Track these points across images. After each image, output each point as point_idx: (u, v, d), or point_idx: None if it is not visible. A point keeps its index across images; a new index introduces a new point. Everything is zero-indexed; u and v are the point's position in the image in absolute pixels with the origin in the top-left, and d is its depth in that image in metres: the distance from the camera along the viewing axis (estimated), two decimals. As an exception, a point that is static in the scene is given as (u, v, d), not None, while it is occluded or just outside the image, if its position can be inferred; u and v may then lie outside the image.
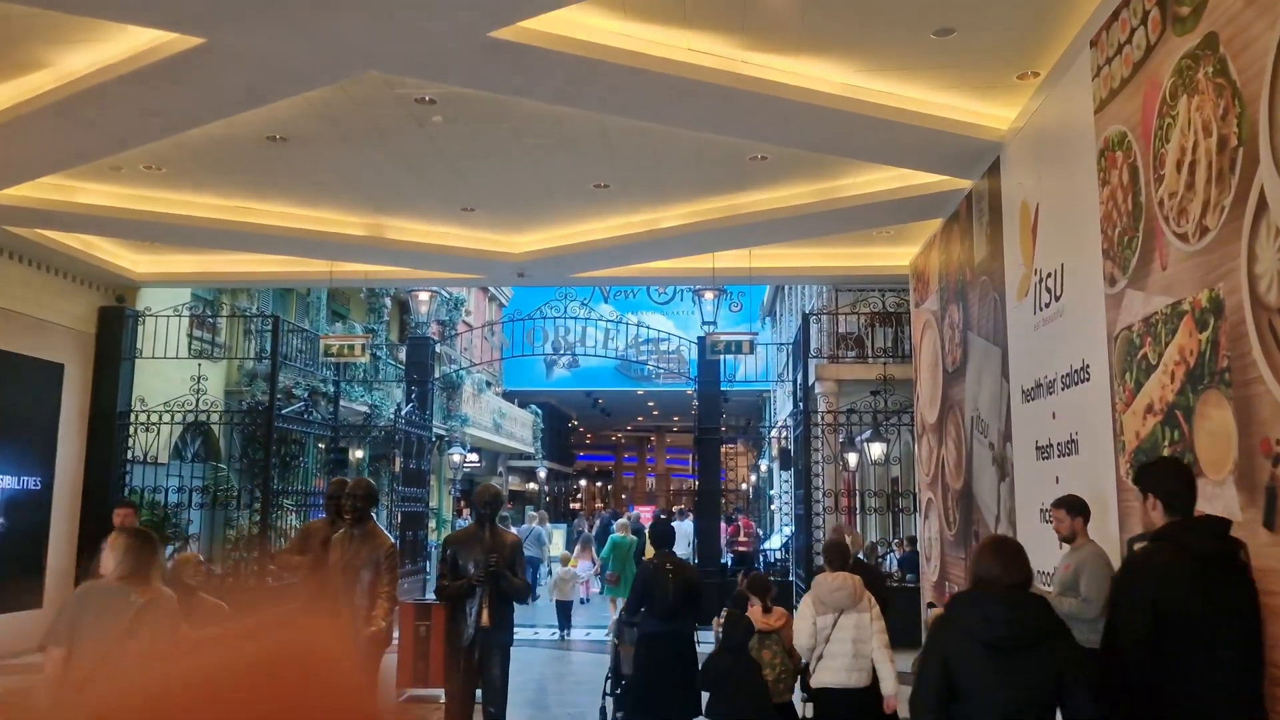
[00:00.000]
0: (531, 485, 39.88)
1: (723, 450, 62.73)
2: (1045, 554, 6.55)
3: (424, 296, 15.86)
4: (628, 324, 16.26)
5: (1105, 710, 3.21)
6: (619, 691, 7.15)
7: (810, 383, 13.14)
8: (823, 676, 5.54)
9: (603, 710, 7.45)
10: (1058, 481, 6.50)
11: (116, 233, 11.67)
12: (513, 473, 38.72)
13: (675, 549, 6.90)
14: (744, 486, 44.21)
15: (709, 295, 15.68)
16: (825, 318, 13.81)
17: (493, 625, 5.79)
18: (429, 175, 9.69)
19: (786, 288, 21.13)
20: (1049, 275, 6.88)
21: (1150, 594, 3.39)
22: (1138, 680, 3.32)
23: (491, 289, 32.31)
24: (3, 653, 10.66)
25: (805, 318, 13.22)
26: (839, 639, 5.51)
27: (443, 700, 8.72)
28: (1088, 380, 6.13)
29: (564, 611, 13.59)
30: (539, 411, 36.67)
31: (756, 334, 15.73)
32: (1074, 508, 5.75)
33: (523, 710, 8.72)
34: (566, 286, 14.15)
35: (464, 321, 27.50)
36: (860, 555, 6.72)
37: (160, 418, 13.28)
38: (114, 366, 13.25)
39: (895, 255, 11.94)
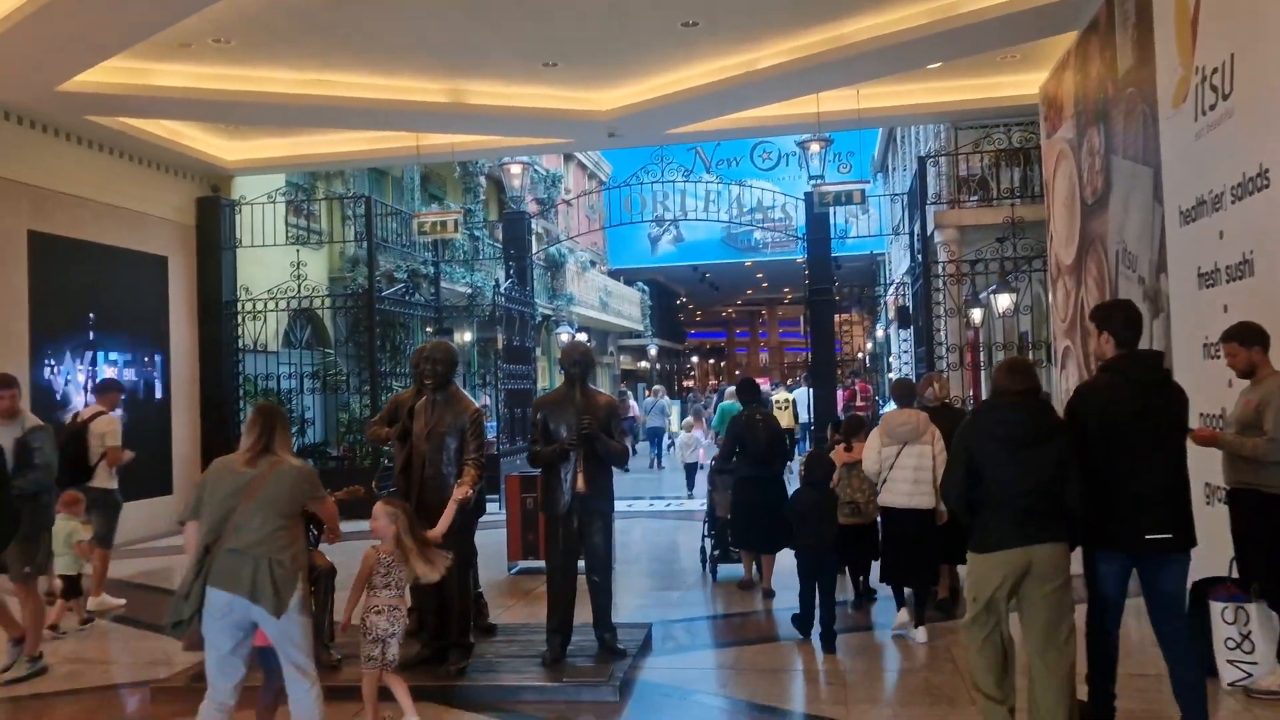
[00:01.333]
0: (643, 364, 39.79)
1: (836, 319, 61.79)
2: (1208, 393, 5.77)
3: (516, 169, 15.34)
4: (729, 187, 15.40)
5: (1083, 501, 4.10)
6: (715, 532, 8.25)
7: (929, 232, 12.20)
8: (887, 498, 6.37)
9: (702, 549, 8.60)
10: (1226, 310, 5.64)
11: (197, 115, 11.43)
12: (623, 351, 38.64)
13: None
14: (859, 355, 43.23)
15: (815, 147, 14.64)
16: (944, 160, 12.71)
17: (590, 491, 5.38)
18: (505, 27, 9.01)
19: (899, 138, 19.75)
20: (1214, 72, 5.86)
21: (1097, 411, 4.21)
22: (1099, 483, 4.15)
23: (589, 165, 31.60)
24: (140, 537, 11.02)
25: (921, 161, 12.18)
26: (901, 466, 6.28)
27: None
28: (1266, 187, 5.21)
29: (690, 473, 14.30)
30: (646, 289, 36.23)
31: (868, 183, 14.70)
32: (1249, 337, 4.95)
33: (630, 575, 8.48)
34: (661, 146, 13.37)
35: (562, 199, 27.00)
36: (946, 401, 7.39)
37: (265, 305, 13.29)
38: (215, 256, 13.26)
39: (1022, 83, 10.74)
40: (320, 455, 14.01)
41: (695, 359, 56.39)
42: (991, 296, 12.89)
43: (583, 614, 5.65)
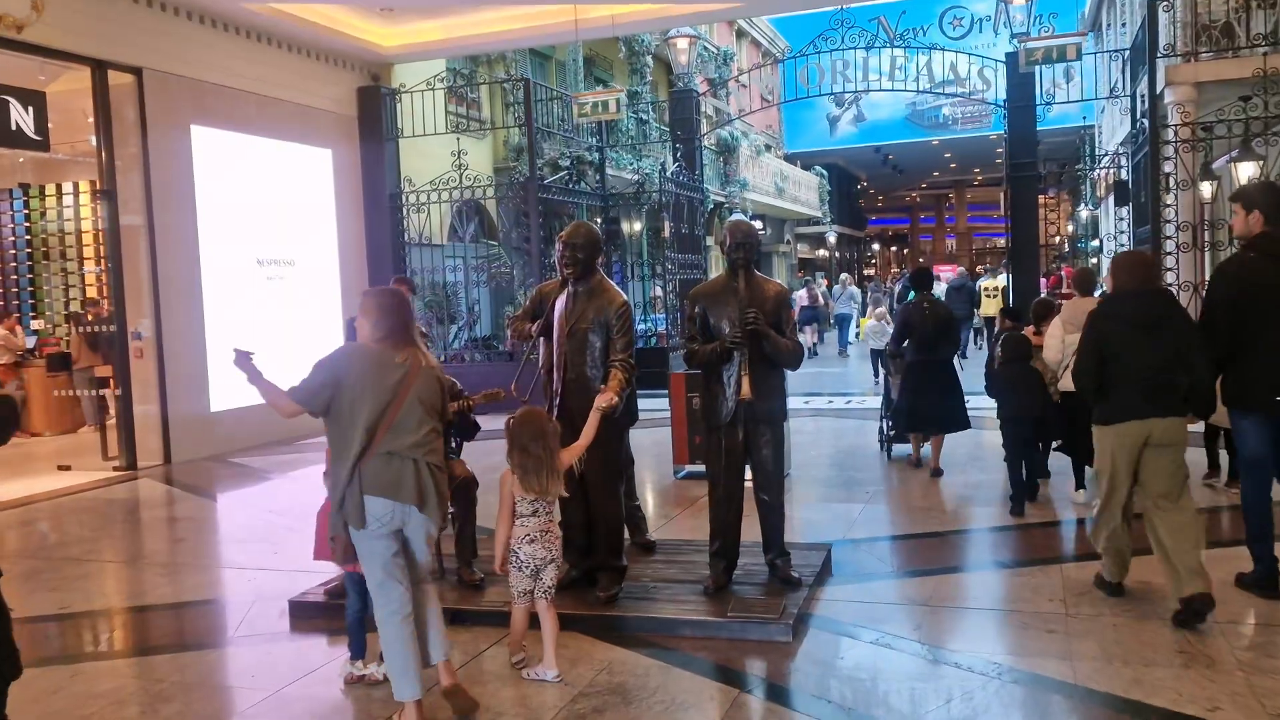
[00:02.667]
0: (821, 251, 38.18)
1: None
2: None
3: (683, 43, 14.26)
4: (917, 56, 13.78)
5: (1213, 369, 4.46)
6: (890, 413, 8.55)
7: (1159, 90, 10.41)
8: (1067, 383, 6.25)
9: (880, 430, 8.98)
10: None
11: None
12: (800, 240, 37.17)
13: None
14: (1057, 239, 40.03)
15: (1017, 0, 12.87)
16: (1179, 4, 10.73)
17: (756, 397, 4.59)
18: None
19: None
20: None
21: (1238, 283, 4.53)
22: (1226, 348, 4.52)
23: (764, 42, 29.81)
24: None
25: (1152, 3, 10.32)
26: None
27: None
28: None
29: (877, 359, 13.52)
30: (824, 174, 34.43)
31: (1084, 35, 12.78)
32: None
33: (807, 483, 7.72)
34: (842, 9, 11.98)
35: (734, 78, 25.56)
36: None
37: (429, 198, 12.97)
38: (378, 147, 12.99)
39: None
40: (489, 349, 13.81)
41: (876, 246, 53.93)
42: (1231, 165, 11.03)
43: (750, 532, 4.93)
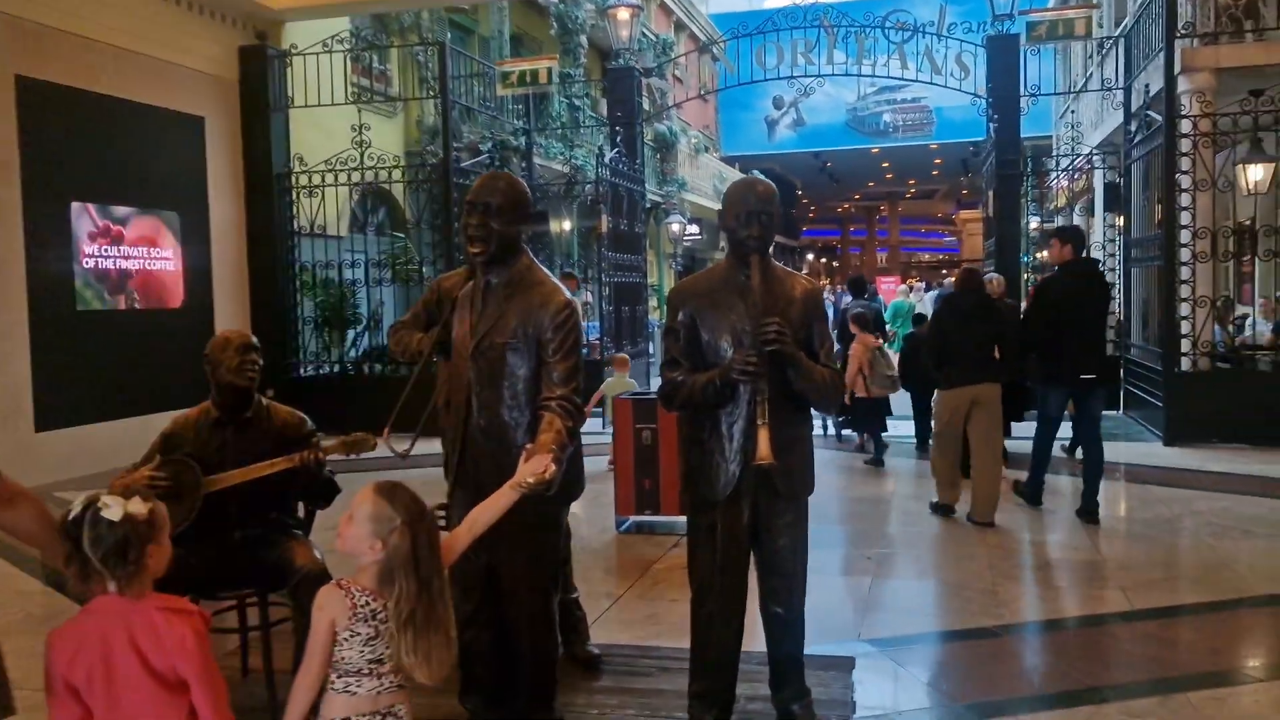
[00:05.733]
0: (755, 260, 36.78)
1: (960, 216, 57.05)
2: None
3: (624, 14, 12.59)
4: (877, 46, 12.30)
5: (1018, 352, 6.48)
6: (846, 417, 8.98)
7: (1175, 74, 9.02)
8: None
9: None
10: None
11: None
12: (734, 247, 35.77)
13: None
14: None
15: (1003, -24, 11.46)
16: (1196, -21, 9.39)
17: (779, 454, 2.88)
18: None
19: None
20: None
21: (1056, 295, 6.30)
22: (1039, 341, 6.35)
23: (703, 36, 28.30)
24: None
25: (1171, -26, 8.94)
26: None
27: (682, 536, 6.19)
28: None
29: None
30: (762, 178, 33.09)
31: (1096, 5, 11.40)
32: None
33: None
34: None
35: (674, 75, 23.95)
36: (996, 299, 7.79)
37: (323, 179, 10.98)
38: (263, 118, 10.95)
39: None
40: (395, 362, 11.85)
41: (810, 256, 52.96)
42: (1240, 168, 9.74)
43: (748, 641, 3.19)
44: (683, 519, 6.15)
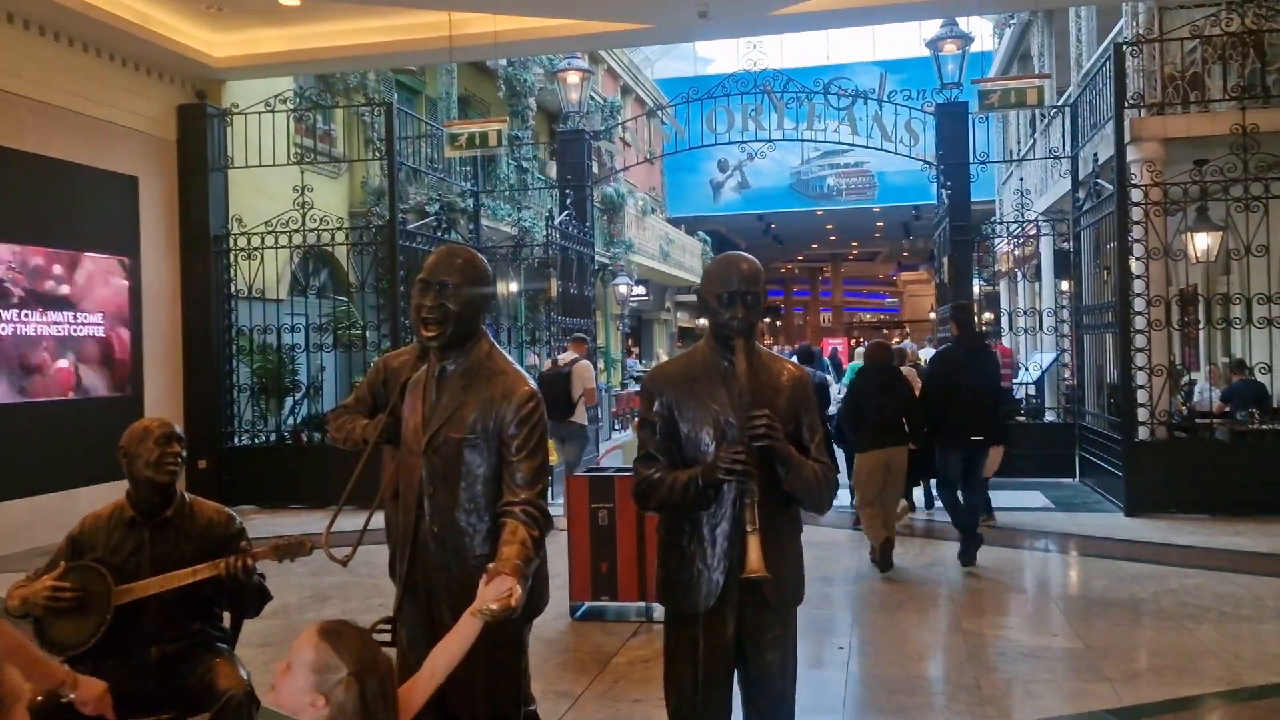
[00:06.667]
0: (702, 320, 36.78)
1: (901, 278, 58.02)
2: None
3: (574, 77, 12.48)
4: (829, 111, 12.33)
5: (923, 418, 7.12)
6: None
7: (1126, 142, 9.08)
8: None
9: None
10: None
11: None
12: (680, 308, 35.76)
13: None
14: (932, 315, 39.94)
15: (949, 47, 11.62)
16: (1144, 51, 9.52)
17: (769, 564, 2.59)
18: None
19: (1042, 35, 16.19)
20: None
21: (948, 367, 7.25)
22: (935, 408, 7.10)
23: (649, 100, 28.51)
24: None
25: (1118, 49, 9.04)
26: None
27: (640, 623, 5.83)
28: None
29: None
30: (708, 240, 33.22)
31: (1048, 75, 11.52)
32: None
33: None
34: (760, 31, 10.48)
35: (621, 138, 24.00)
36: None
37: (263, 240, 10.58)
38: (201, 179, 10.57)
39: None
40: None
41: (753, 318, 53.11)
42: (1186, 236, 9.83)
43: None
44: (640, 604, 5.94)
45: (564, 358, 10.16)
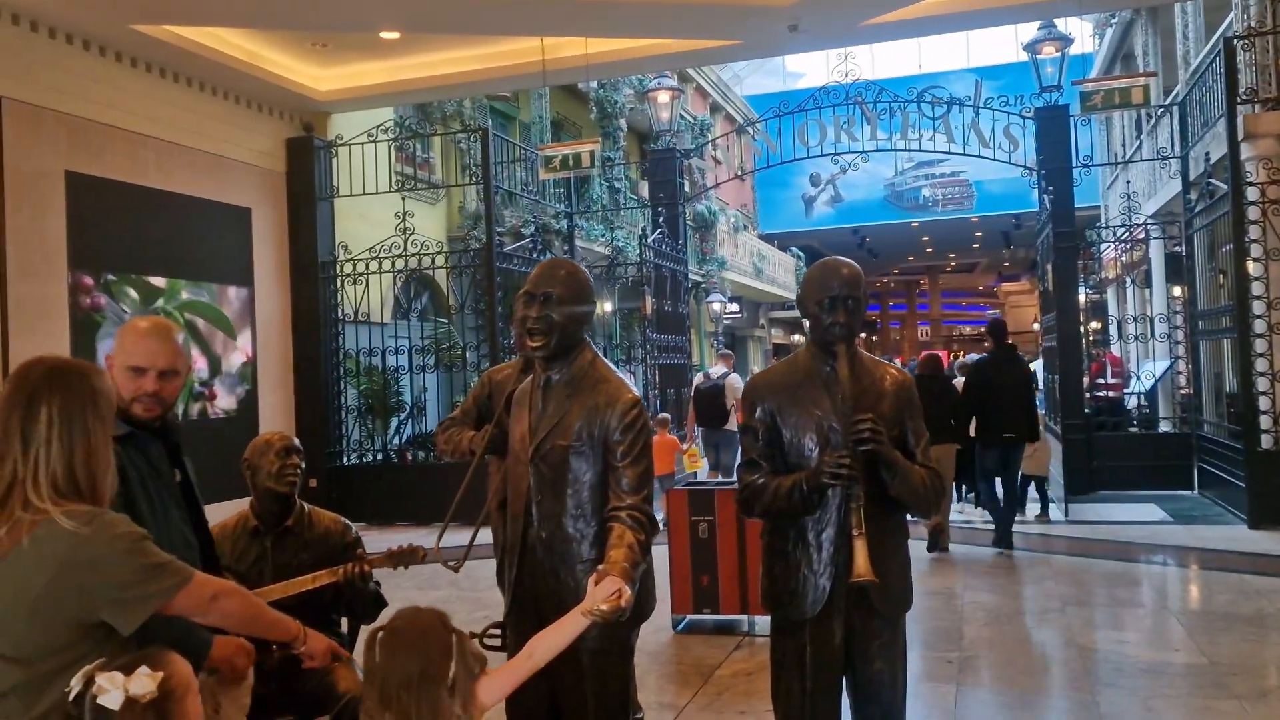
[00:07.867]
0: (796, 336, 36.53)
1: (1000, 290, 56.22)
2: None
3: (664, 97, 12.62)
4: (922, 122, 12.17)
5: (966, 420, 8.18)
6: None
7: (1238, 141, 8.74)
8: None
9: None
10: None
11: (271, 23, 9.10)
12: (775, 324, 35.55)
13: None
14: (1035, 326, 38.80)
15: (1049, 50, 11.34)
16: (1255, 44, 9.14)
17: (877, 569, 2.59)
18: None
19: (1145, 34, 15.68)
20: None
21: (986, 374, 8.13)
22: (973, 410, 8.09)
23: (738, 117, 28.55)
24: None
25: (1228, 43, 8.71)
26: None
27: (743, 636, 5.82)
28: None
29: None
30: (801, 255, 33.00)
31: (1154, 73, 11.19)
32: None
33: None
34: (852, 42, 10.39)
35: (712, 156, 24.07)
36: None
37: (368, 266, 10.95)
38: (309, 208, 11.01)
39: None
40: (433, 449, 11.64)
41: (849, 332, 52.42)
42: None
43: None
44: (743, 618, 5.92)
45: (714, 371, 10.90)
